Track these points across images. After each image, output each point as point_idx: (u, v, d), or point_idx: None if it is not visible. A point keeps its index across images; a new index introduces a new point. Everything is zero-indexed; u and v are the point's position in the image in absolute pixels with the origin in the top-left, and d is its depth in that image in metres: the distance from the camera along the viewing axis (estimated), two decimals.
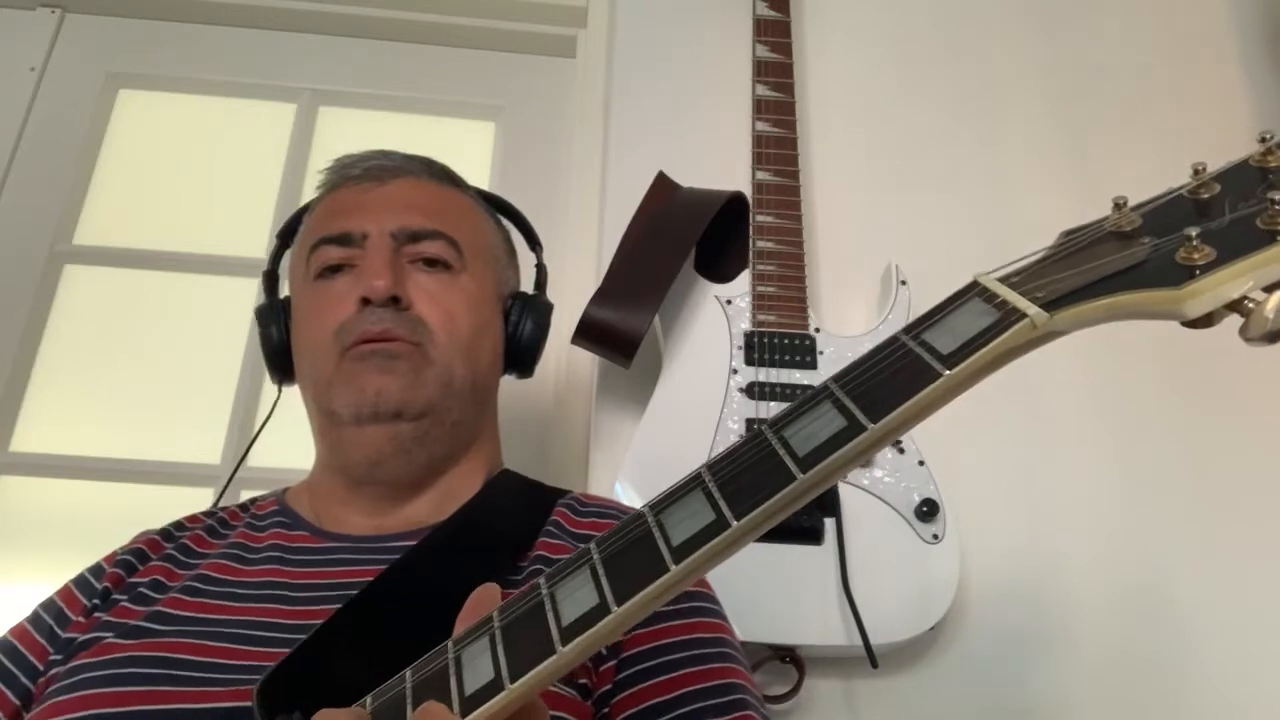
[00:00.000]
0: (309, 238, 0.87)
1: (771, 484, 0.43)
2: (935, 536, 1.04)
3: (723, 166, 1.30)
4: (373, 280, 0.79)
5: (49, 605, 0.76)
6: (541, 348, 0.93)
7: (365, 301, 0.80)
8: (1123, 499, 1.20)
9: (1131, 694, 1.10)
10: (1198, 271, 0.42)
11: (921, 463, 1.08)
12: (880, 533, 1.04)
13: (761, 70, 1.32)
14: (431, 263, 0.83)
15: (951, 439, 1.12)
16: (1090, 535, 1.17)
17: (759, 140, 1.26)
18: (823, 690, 1.06)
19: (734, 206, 1.22)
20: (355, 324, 0.79)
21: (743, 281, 1.18)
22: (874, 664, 1.00)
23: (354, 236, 0.83)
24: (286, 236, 0.96)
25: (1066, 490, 1.20)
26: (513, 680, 0.42)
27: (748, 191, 1.23)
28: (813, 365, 1.12)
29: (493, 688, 0.43)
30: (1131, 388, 1.26)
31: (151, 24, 1.53)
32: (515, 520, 0.78)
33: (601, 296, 1.13)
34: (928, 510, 1.04)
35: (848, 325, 1.23)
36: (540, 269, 0.99)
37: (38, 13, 1.50)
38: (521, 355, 0.92)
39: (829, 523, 1.03)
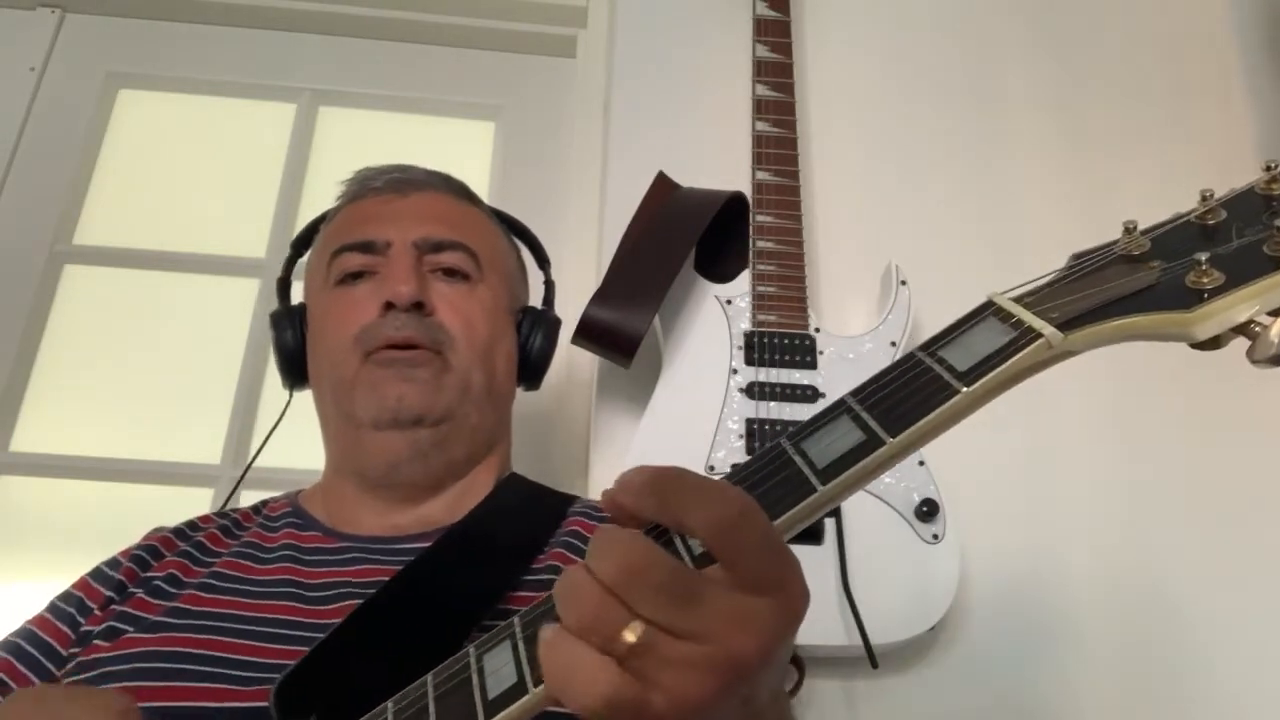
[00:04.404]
0: (329, 245, 0.88)
1: (792, 496, 0.43)
2: (935, 536, 1.04)
3: (723, 166, 1.30)
4: (398, 285, 0.81)
5: (67, 597, 0.77)
6: (549, 361, 0.96)
7: (388, 307, 0.81)
8: (1123, 498, 1.20)
9: (1133, 693, 1.10)
10: (1207, 295, 0.43)
11: (921, 463, 1.08)
12: (880, 533, 1.04)
13: (761, 70, 1.32)
14: (450, 273, 0.86)
15: (951, 439, 1.11)
16: (1090, 535, 1.17)
17: (759, 140, 1.26)
18: (823, 690, 1.06)
19: (734, 206, 1.22)
20: (378, 328, 0.81)
21: (743, 281, 1.18)
22: (874, 664, 1.00)
23: (377, 244, 0.85)
24: (300, 245, 0.98)
25: (1066, 490, 1.20)
26: (536, 684, 0.42)
27: (748, 191, 1.23)
28: (812, 365, 1.12)
29: (516, 691, 0.43)
30: (1131, 387, 1.26)
31: (151, 24, 1.53)
32: (526, 523, 0.79)
33: (601, 296, 1.13)
34: (928, 510, 1.04)
35: (848, 325, 1.23)
36: (549, 285, 1.02)
37: (38, 13, 1.50)
38: (531, 367, 0.94)
39: (829, 523, 1.03)
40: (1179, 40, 1.53)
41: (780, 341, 1.14)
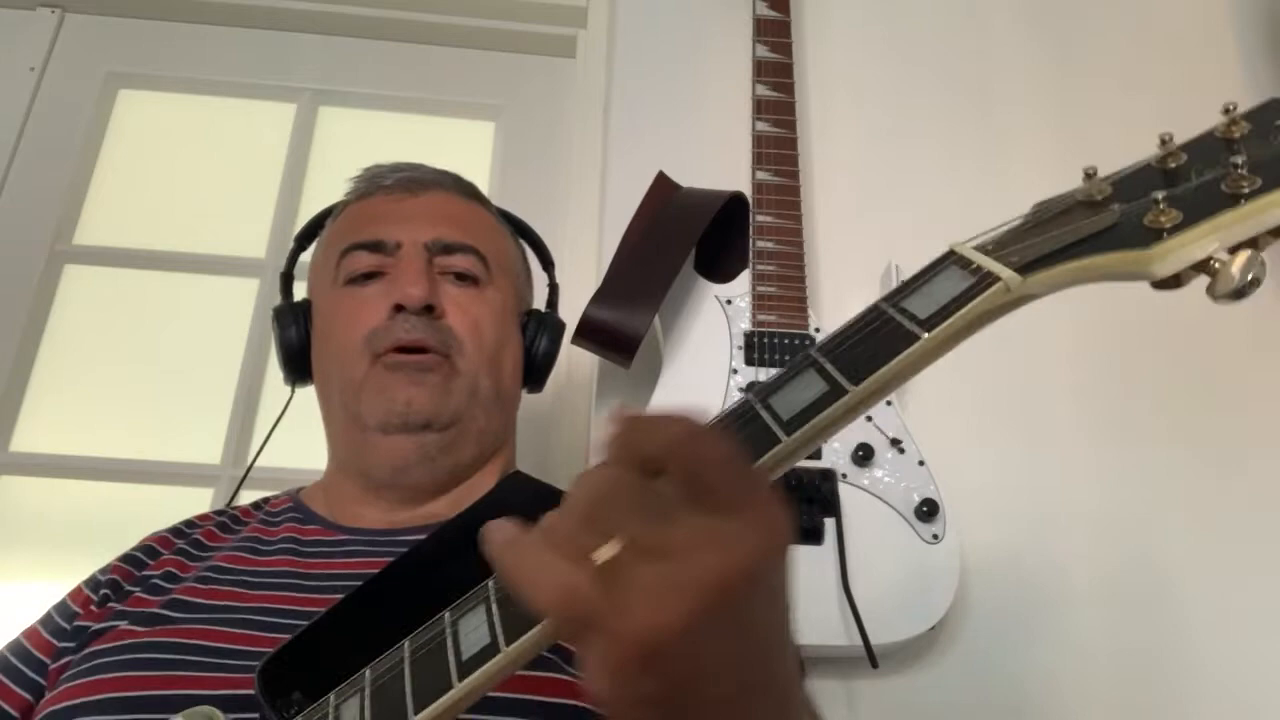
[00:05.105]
0: (338, 242, 0.87)
1: (758, 447, 0.44)
2: (935, 536, 1.04)
3: (723, 166, 1.30)
4: (409, 288, 0.81)
5: (59, 605, 0.78)
6: (554, 363, 0.96)
7: (398, 309, 0.81)
8: (1122, 498, 1.20)
9: (1132, 692, 1.10)
10: (1165, 234, 0.43)
11: (921, 463, 1.08)
12: (880, 533, 1.04)
13: (761, 70, 1.32)
14: (460, 276, 0.85)
15: (951, 439, 1.12)
16: (1090, 534, 1.17)
17: (759, 140, 1.26)
18: (823, 690, 1.06)
19: (734, 206, 1.22)
20: (388, 331, 0.80)
21: (743, 281, 1.18)
22: (874, 664, 1.00)
23: (387, 244, 0.84)
24: (305, 239, 0.98)
25: (1066, 490, 1.20)
26: (509, 643, 0.43)
27: (748, 191, 1.23)
28: None
29: (489, 651, 0.44)
30: (1130, 387, 1.26)
31: (151, 24, 1.53)
32: (525, 517, 0.78)
33: (601, 296, 1.13)
34: (928, 510, 1.04)
35: None
36: (553, 288, 1.02)
37: (38, 13, 1.50)
38: (535, 370, 0.94)
39: (829, 523, 1.03)
40: (1179, 41, 1.53)
41: (780, 342, 1.14)
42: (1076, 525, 1.18)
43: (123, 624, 0.71)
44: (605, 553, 0.39)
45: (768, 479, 0.42)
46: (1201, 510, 1.20)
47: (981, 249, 0.47)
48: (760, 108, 1.29)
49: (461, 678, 0.44)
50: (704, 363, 1.13)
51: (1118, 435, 1.24)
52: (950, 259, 0.47)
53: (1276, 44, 1.52)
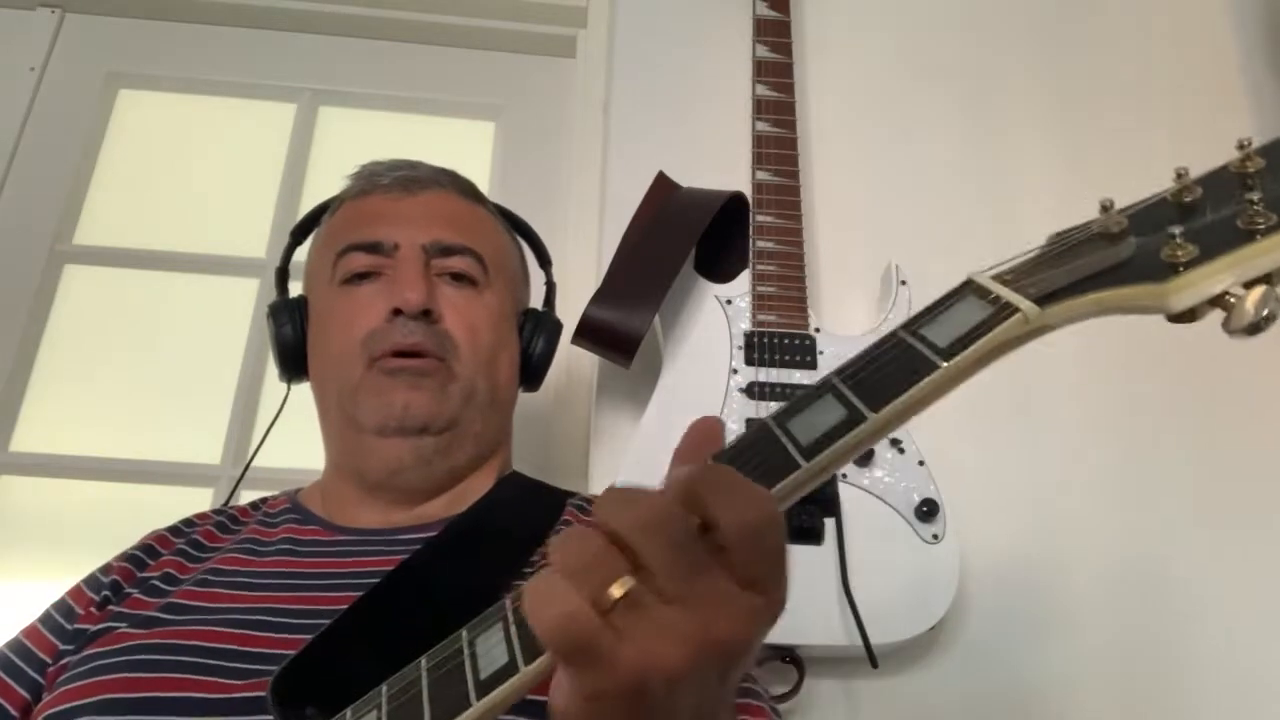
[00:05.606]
0: (335, 242, 0.87)
1: (778, 472, 0.44)
2: (935, 536, 1.04)
3: (723, 166, 1.30)
4: (407, 292, 0.80)
5: (59, 604, 0.78)
6: (550, 363, 0.96)
7: (396, 312, 0.81)
8: (1122, 498, 1.20)
9: (1134, 693, 1.10)
10: (1181, 268, 0.44)
11: (921, 463, 1.08)
12: (880, 533, 1.04)
13: (761, 70, 1.32)
14: (458, 277, 0.85)
15: (951, 439, 1.12)
16: (1090, 534, 1.17)
17: (759, 140, 1.26)
18: (823, 690, 1.06)
19: (734, 206, 1.22)
20: (386, 334, 0.80)
21: (743, 281, 1.18)
22: (874, 664, 1.00)
23: (385, 246, 0.84)
24: (300, 234, 0.98)
25: (1066, 489, 1.20)
26: (527, 663, 0.43)
27: (748, 191, 1.23)
28: (813, 365, 1.12)
29: (508, 671, 0.44)
30: (1130, 385, 1.26)
31: (151, 24, 1.53)
32: (525, 518, 0.79)
33: (601, 296, 1.13)
34: (928, 510, 1.04)
35: (848, 325, 1.23)
36: (550, 286, 1.02)
37: (38, 13, 1.50)
38: (532, 370, 0.94)
39: (829, 523, 1.03)
40: (1180, 44, 1.52)
41: (780, 341, 1.14)
42: (1076, 524, 1.18)
43: (121, 626, 0.71)
44: (621, 588, 0.39)
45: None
46: (1202, 510, 1.20)
47: (999, 279, 0.47)
48: (760, 108, 1.29)
49: (480, 696, 0.44)
50: (704, 363, 1.13)
51: (1118, 435, 1.24)
52: (968, 288, 0.48)
53: (1277, 44, 1.52)
